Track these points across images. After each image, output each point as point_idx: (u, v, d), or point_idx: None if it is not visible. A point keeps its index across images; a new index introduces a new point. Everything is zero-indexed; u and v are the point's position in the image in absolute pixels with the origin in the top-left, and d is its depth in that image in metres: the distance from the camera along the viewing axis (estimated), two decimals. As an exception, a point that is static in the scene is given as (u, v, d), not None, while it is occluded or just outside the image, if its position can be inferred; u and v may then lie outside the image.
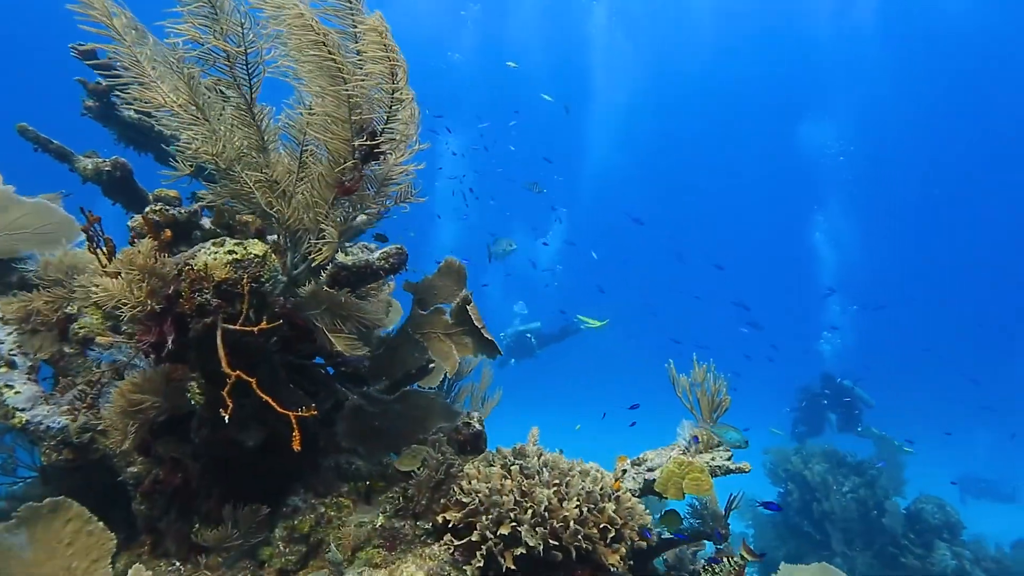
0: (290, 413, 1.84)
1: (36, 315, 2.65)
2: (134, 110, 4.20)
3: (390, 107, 1.82)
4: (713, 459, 2.90)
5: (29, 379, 2.54)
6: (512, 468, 2.40)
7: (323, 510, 2.49)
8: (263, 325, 1.88)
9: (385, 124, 1.87)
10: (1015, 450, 18.42)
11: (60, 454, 2.35)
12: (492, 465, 2.49)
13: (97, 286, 1.81)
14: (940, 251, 29.33)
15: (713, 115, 27.56)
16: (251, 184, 2.04)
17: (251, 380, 1.86)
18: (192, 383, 2.41)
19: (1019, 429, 19.25)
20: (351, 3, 1.92)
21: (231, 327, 1.94)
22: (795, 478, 10.28)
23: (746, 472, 2.69)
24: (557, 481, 2.33)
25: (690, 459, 2.66)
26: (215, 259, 1.99)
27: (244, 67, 1.96)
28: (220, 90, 2.09)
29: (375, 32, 1.66)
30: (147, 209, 2.52)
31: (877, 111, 25.06)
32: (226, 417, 1.75)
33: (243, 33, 1.92)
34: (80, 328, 2.59)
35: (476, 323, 2.31)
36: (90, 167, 3.63)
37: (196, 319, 1.98)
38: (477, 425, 2.79)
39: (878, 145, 25.76)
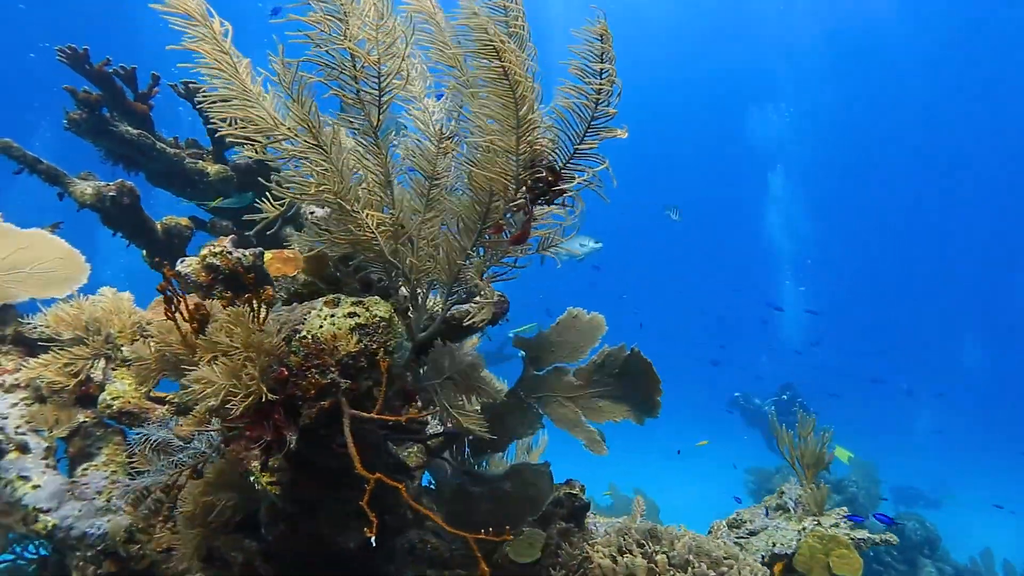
0: (442, 523, 1.43)
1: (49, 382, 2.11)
2: (127, 127, 3.66)
3: (583, 135, 1.45)
4: (837, 526, 2.62)
5: (47, 466, 2.01)
6: (658, 558, 2.03)
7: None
8: (414, 413, 1.46)
9: (571, 156, 1.49)
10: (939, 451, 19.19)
11: (100, 567, 1.84)
12: (627, 553, 2.12)
13: (199, 378, 1.35)
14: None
15: (663, 104, 27.42)
16: (373, 228, 1.62)
17: (397, 486, 1.43)
18: (254, 465, 1.96)
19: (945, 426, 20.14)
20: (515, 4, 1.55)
21: (368, 415, 1.51)
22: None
23: (893, 544, 2.41)
24: (713, 574, 1.98)
25: (830, 532, 2.35)
26: (336, 325, 1.56)
27: (376, 81, 1.54)
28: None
29: (598, 38, 1.29)
30: (203, 252, 2.04)
31: (822, 99, 25.68)
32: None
33: (377, 38, 1.51)
34: (112, 399, 2.07)
35: (652, 387, 1.94)
36: (89, 191, 3.08)
37: (311, 403, 1.54)
38: (582, 496, 2.41)
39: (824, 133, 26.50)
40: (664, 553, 2.06)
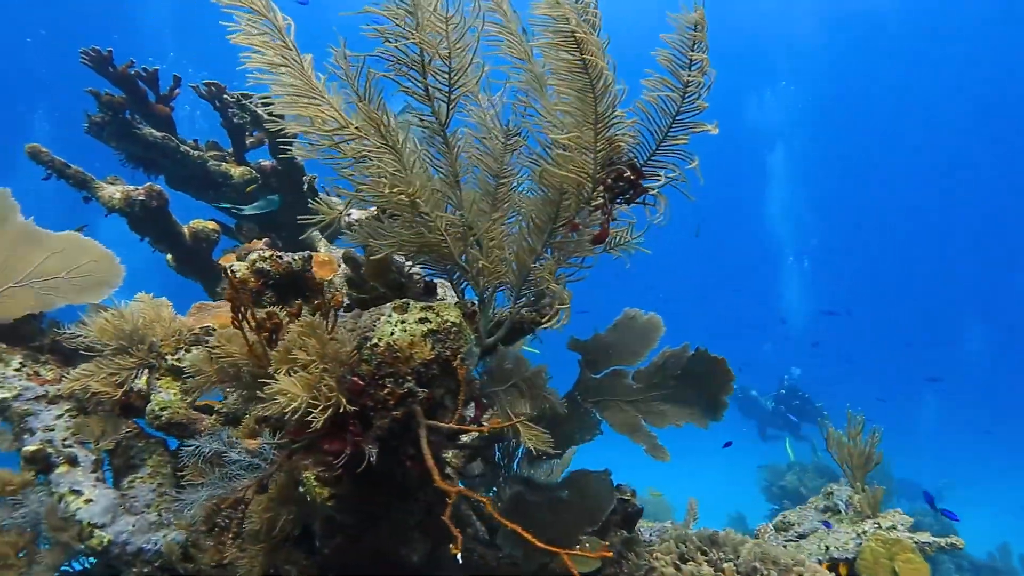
0: (538, 542, 1.37)
1: (93, 393, 2.05)
2: (151, 130, 3.60)
3: (667, 131, 1.39)
4: (894, 528, 2.56)
5: (97, 479, 1.95)
6: (725, 566, 1.97)
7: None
8: (495, 423, 1.40)
9: (653, 153, 1.43)
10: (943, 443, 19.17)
11: (156, 584, 1.78)
12: (690, 561, 2.06)
13: (280, 390, 1.29)
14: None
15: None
16: (443, 229, 1.56)
17: (483, 500, 1.38)
18: (307, 475, 1.90)
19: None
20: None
21: (446, 425, 1.45)
22: (791, 495, 10.22)
23: (960, 549, 2.35)
24: (783, 580, 1.93)
25: (894, 536, 2.29)
26: (408, 331, 1.50)
27: (446, 76, 1.48)
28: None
29: (692, 27, 1.23)
30: (253, 256, 1.98)
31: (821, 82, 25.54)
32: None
33: (448, 31, 1.44)
34: (160, 409, 2.01)
35: (719, 387, 1.88)
36: (118, 196, 3.01)
37: (383, 414, 1.48)
38: (635, 501, 2.35)
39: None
40: (731, 561, 2.00)
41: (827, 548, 2.60)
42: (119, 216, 3.08)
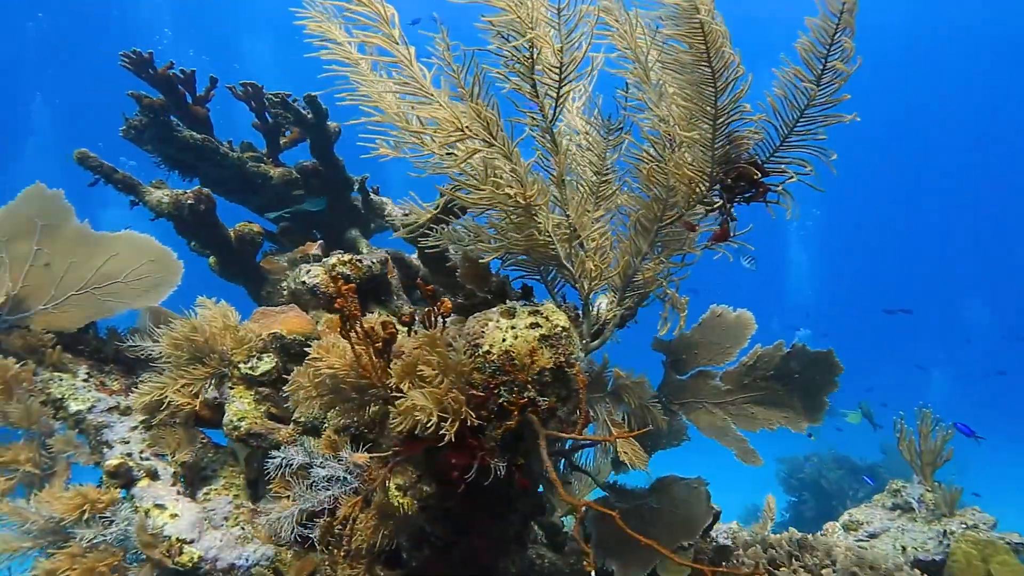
0: (669, 554, 1.32)
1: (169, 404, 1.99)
2: (191, 132, 3.53)
3: (793, 124, 1.33)
4: (975, 527, 2.51)
5: (178, 493, 1.89)
6: (823, 572, 1.92)
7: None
8: (623, 434, 1.34)
9: (776, 148, 1.37)
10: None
11: (248, 601, 1.73)
12: (782, 567, 2.01)
13: (412, 406, 1.23)
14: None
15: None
16: (550, 230, 1.50)
17: (611, 513, 1.32)
18: (391, 485, 1.85)
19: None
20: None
21: (564, 435, 1.39)
22: (810, 487, 10.17)
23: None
24: (885, 585, 1.87)
25: (985, 537, 2.24)
26: (521, 338, 1.44)
27: (556, 72, 1.42)
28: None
29: (835, 14, 1.17)
30: (332, 261, 1.92)
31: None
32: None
33: (560, 23, 1.38)
34: (239, 419, 1.96)
35: (819, 387, 1.82)
36: (166, 200, 2.95)
37: (495, 424, 1.42)
38: (713, 504, 2.30)
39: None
40: (828, 567, 1.94)
41: (904, 548, 2.54)
42: (166, 220, 3.02)
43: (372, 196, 3.17)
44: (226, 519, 1.93)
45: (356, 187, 3.18)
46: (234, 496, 2.00)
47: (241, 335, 2.14)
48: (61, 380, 2.09)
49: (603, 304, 1.82)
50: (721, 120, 1.37)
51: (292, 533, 1.76)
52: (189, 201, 2.90)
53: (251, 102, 3.74)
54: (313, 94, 3.24)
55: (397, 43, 1.38)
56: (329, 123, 3.37)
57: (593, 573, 1.28)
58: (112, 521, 1.69)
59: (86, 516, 1.68)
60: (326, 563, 1.86)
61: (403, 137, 1.53)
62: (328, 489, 1.79)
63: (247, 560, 1.73)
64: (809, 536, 2.12)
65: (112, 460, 1.84)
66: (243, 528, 1.88)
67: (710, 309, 2.04)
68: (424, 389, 1.25)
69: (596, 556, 1.99)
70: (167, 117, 3.43)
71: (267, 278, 3.33)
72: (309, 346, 2.26)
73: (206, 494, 2.00)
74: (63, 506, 1.63)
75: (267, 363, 2.09)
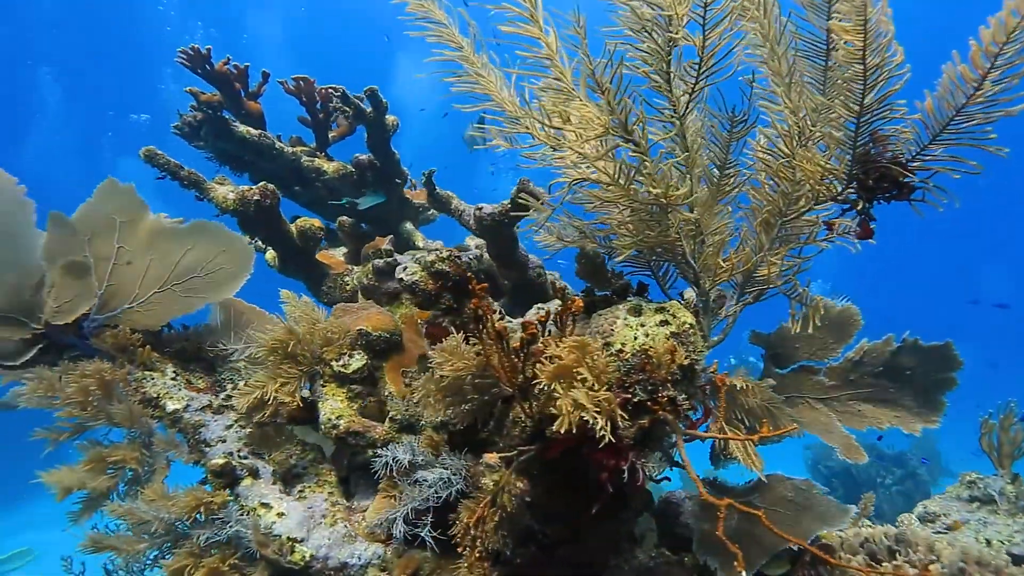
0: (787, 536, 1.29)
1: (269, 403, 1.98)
2: (248, 127, 3.51)
3: (947, 123, 1.28)
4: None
5: (281, 492, 1.89)
6: (932, 568, 1.89)
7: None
8: (767, 431, 1.31)
9: (924, 147, 1.33)
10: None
11: (361, 600, 1.72)
12: (883, 563, 1.98)
13: (573, 403, 1.21)
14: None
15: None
16: (677, 226, 1.47)
17: (757, 512, 1.30)
18: (485, 482, 1.83)
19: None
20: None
21: (702, 434, 1.37)
22: (839, 474, 10.15)
23: None
24: (996, 581, 1.84)
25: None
26: (651, 336, 1.41)
27: (697, 66, 1.38)
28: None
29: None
30: (430, 258, 1.89)
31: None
32: None
33: (704, 16, 1.34)
34: (336, 418, 1.94)
35: (936, 384, 1.78)
36: (232, 196, 2.94)
37: (630, 421, 1.40)
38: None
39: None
40: (935, 562, 1.91)
41: (988, 542, 2.51)
42: (231, 216, 3.01)
43: (438, 190, 3.15)
44: (323, 516, 1.93)
45: (423, 179, 3.15)
46: (328, 494, 2.00)
47: (330, 333, 2.12)
48: (153, 379, 2.09)
49: (692, 299, 1.79)
50: (866, 118, 1.33)
51: (402, 532, 1.76)
52: (255, 197, 2.88)
53: (302, 96, 3.72)
54: (374, 87, 3.21)
55: (542, 30, 1.34)
56: (388, 117, 3.34)
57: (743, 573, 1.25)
58: (225, 521, 1.68)
59: (200, 516, 1.67)
60: (428, 562, 1.85)
61: (514, 128, 1.50)
62: (439, 488, 1.78)
63: (359, 559, 1.72)
64: (907, 531, 2.09)
65: (217, 460, 1.84)
66: (345, 526, 1.87)
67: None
68: (579, 390, 1.22)
69: (699, 555, 1.96)
70: (223, 113, 3.41)
71: (327, 273, 3.31)
72: (394, 342, 2.26)
73: (301, 492, 1.99)
74: (179, 507, 1.63)
75: (358, 360, 2.08)
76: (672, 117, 1.40)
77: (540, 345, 1.35)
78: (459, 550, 1.48)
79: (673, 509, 2.05)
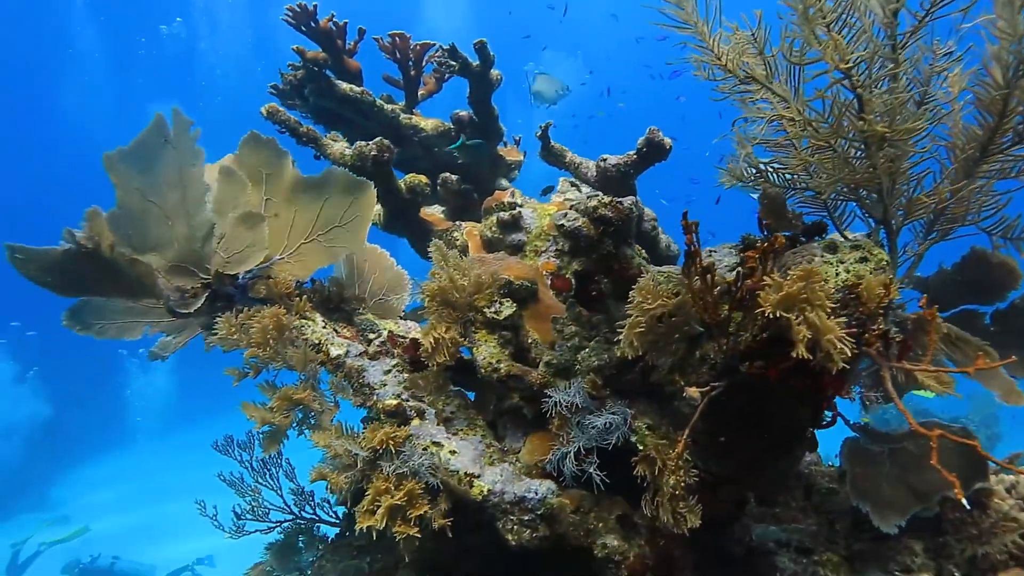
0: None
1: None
2: (350, 85, 3.54)
3: None
4: None
5: (451, 433, 1.97)
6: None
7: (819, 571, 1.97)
8: (983, 364, 1.32)
9: None
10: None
11: (535, 531, 1.80)
12: None
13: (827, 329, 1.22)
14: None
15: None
16: (882, 163, 1.46)
17: (974, 442, 1.31)
18: (639, 424, 1.88)
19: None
20: None
21: (914, 366, 1.38)
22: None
23: None
24: None
25: None
26: (852, 272, 1.42)
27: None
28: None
29: None
30: (592, 204, 1.91)
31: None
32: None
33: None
34: (496, 362, 2.00)
35: None
36: (349, 152, 3.00)
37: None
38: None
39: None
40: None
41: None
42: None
43: (553, 144, 3.15)
44: (480, 457, 2.00)
45: (539, 132, 3.15)
46: (481, 436, 2.07)
47: (480, 281, 2.17)
48: (312, 327, 2.17)
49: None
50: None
51: (571, 470, 1.82)
52: (372, 152, 2.93)
53: (396, 53, 3.72)
54: (483, 40, 3.20)
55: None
56: (493, 71, 3.34)
57: (964, 501, 1.27)
58: (408, 455, 1.77)
59: (388, 449, 1.76)
60: (586, 500, 1.92)
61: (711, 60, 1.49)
62: (603, 430, 1.83)
63: (536, 493, 1.79)
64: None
65: (389, 400, 1.92)
66: (508, 464, 1.95)
67: (971, 249, 1.97)
68: (813, 314, 1.23)
69: (851, 497, 1.99)
70: (326, 71, 3.45)
71: (429, 231, 3.36)
72: (532, 291, 2.30)
73: (455, 434, 2.07)
74: (373, 440, 1.72)
75: (508, 308, 2.13)
76: (893, 55, 1.37)
77: (750, 281, 1.37)
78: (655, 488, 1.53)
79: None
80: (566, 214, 1.94)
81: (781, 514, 2.19)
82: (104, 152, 1.94)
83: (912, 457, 1.99)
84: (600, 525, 1.87)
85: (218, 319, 1.92)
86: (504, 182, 3.69)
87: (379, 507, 1.64)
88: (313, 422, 2.02)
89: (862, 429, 2.04)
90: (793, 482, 1.82)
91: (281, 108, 2.94)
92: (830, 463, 2.37)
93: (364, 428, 1.90)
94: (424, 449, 1.86)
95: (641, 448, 1.77)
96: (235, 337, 1.86)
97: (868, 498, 1.97)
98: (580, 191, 3.25)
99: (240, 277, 2.26)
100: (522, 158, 3.81)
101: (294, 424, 1.98)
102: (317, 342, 2.11)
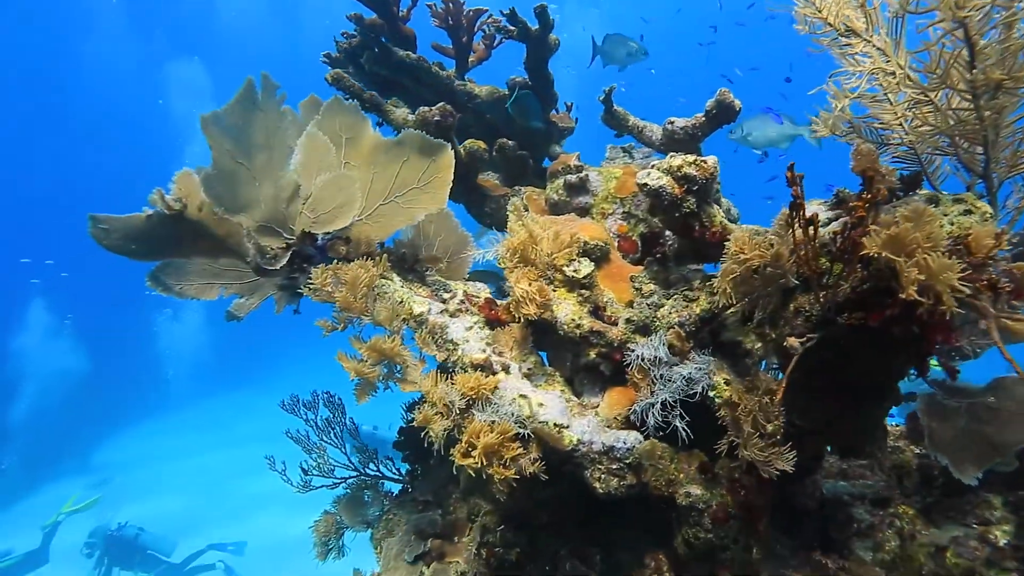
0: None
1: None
2: (407, 52, 3.56)
3: None
4: None
5: (536, 386, 2.03)
6: None
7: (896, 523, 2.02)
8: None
9: None
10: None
11: (623, 479, 1.87)
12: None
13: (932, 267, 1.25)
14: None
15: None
16: (988, 116, 1.46)
17: None
18: (720, 380, 1.92)
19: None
20: None
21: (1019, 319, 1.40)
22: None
23: None
24: None
25: None
26: (958, 224, 1.43)
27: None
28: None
29: None
30: (675, 163, 1.93)
31: None
32: None
33: None
34: (579, 319, 2.05)
35: None
36: (411, 117, 3.03)
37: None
38: None
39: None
40: None
41: None
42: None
43: (615, 108, 3.15)
44: (567, 409, 2.06)
45: (603, 96, 3.15)
46: (561, 391, 2.12)
47: (561, 240, 2.20)
48: (392, 285, 2.24)
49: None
50: None
51: (656, 420, 1.88)
52: (435, 117, 2.96)
53: (449, 19, 3.72)
54: (544, 3, 3.19)
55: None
56: (551, 36, 3.33)
57: None
58: (499, 405, 1.84)
59: (480, 396, 1.83)
60: (667, 451, 1.98)
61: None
62: (685, 383, 1.88)
63: (625, 443, 1.85)
64: None
65: (477, 354, 1.99)
66: (591, 417, 2.00)
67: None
68: (923, 255, 1.26)
69: (928, 449, 2.02)
70: (382, 37, 3.47)
71: (485, 196, 3.40)
72: (605, 251, 2.34)
73: (537, 388, 2.13)
74: (466, 388, 1.78)
75: (587, 266, 2.17)
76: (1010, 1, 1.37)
77: (858, 231, 1.39)
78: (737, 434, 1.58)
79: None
80: (649, 172, 1.96)
81: (849, 471, 2.23)
82: (200, 113, 2.00)
83: (990, 411, 2.01)
84: (681, 476, 1.92)
85: (303, 275, 1.99)
86: (557, 148, 3.70)
87: (475, 449, 1.71)
88: (399, 375, 2.10)
89: (939, 384, 2.06)
90: (880, 432, 1.85)
91: (346, 75, 2.98)
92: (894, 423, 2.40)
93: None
94: (512, 400, 1.92)
95: (720, 399, 1.81)
96: (328, 289, 1.93)
97: (946, 451, 2.00)
98: (632, 157, 3.26)
99: (319, 239, 2.33)
100: (574, 124, 3.81)
101: (380, 377, 2.06)
102: (400, 300, 2.17)
